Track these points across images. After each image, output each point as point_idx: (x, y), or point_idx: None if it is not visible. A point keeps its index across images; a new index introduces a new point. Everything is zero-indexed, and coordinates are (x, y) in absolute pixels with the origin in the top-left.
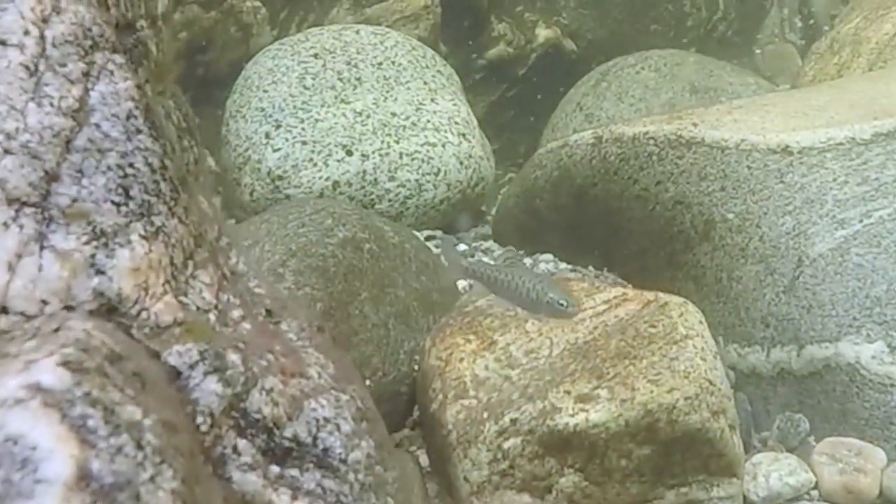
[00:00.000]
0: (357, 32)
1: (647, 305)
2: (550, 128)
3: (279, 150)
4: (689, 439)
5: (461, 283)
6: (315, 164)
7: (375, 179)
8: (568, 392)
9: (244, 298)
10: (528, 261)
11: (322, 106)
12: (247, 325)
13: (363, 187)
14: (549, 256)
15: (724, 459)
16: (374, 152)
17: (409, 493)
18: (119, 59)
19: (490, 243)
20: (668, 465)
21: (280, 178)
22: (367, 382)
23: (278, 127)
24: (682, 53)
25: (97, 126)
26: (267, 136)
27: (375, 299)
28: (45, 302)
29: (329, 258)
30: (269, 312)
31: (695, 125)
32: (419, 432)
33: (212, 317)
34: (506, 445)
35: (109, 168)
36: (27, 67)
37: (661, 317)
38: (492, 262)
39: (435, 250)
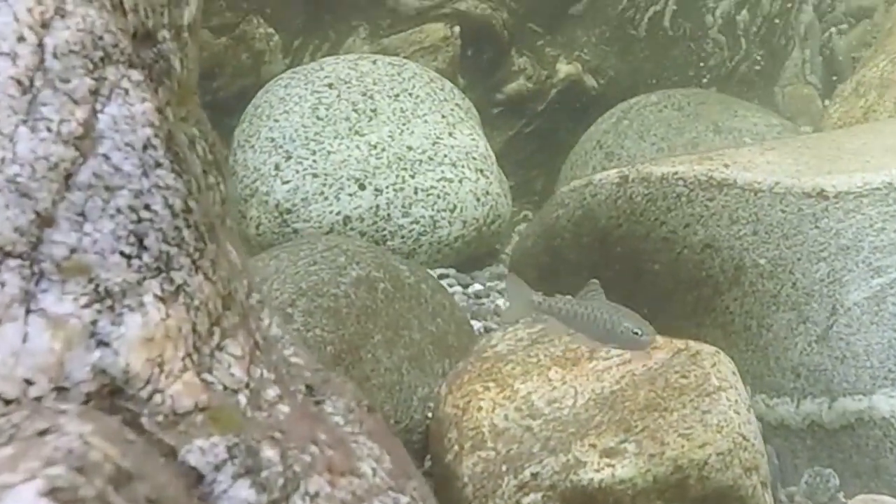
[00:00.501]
0: (374, 63)
1: (678, 354)
2: (569, 165)
3: (289, 182)
4: (720, 497)
5: (476, 326)
6: (326, 198)
7: (389, 215)
8: (593, 445)
9: (280, 372)
10: None
11: (335, 138)
12: (284, 408)
13: (375, 223)
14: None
15: None
16: (388, 187)
17: None
18: (136, 75)
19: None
20: None
21: (288, 211)
22: None
23: (288, 158)
24: (705, 92)
25: (106, 157)
26: (276, 167)
27: (389, 342)
28: (29, 382)
29: (341, 298)
30: (309, 389)
31: (726, 166)
32: (431, 484)
33: (242, 398)
34: (526, 501)
35: (119, 210)
36: (20, 82)
37: (692, 367)
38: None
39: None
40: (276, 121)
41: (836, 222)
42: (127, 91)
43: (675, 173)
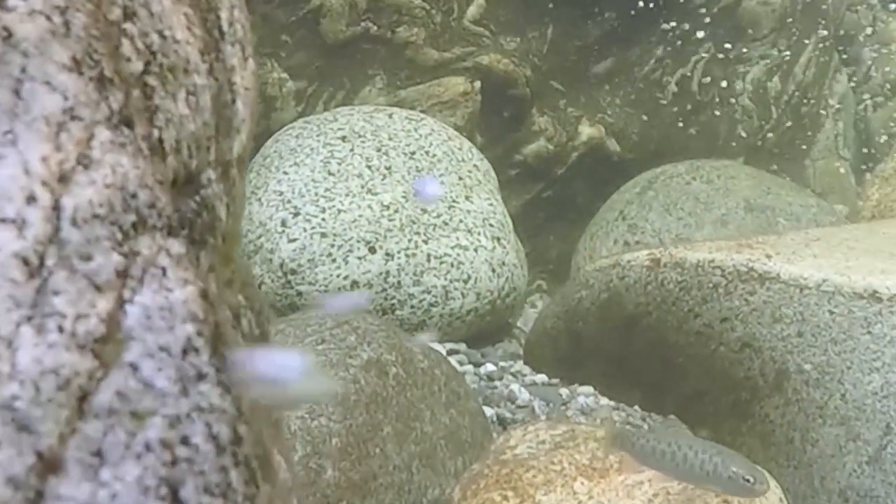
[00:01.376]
0: (390, 116)
1: None
2: (588, 235)
3: (295, 240)
4: None
5: (488, 412)
6: (334, 260)
7: (399, 282)
8: None
9: None
10: (564, 391)
11: (346, 195)
12: None
13: (384, 290)
14: (589, 389)
15: None
16: (399, 252)
17: None
18: (176, 247)
19: (520, 365)
20: None
21: (294, 272)
22: None
23: (296, 215)
24: (735, 165)
25: (134, 368)
26: (283, 223)
27: (399, 435)
28: None
29: (350, 383)
30: None
31: (768, 257)
32: None
33: None
34: None
35: (149, 447)
36: (26, 261)
37: None
38: (529, 395)
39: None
40: (286, 173)
41: (890, 328)
42: (164, 270)
43: (713, 261)
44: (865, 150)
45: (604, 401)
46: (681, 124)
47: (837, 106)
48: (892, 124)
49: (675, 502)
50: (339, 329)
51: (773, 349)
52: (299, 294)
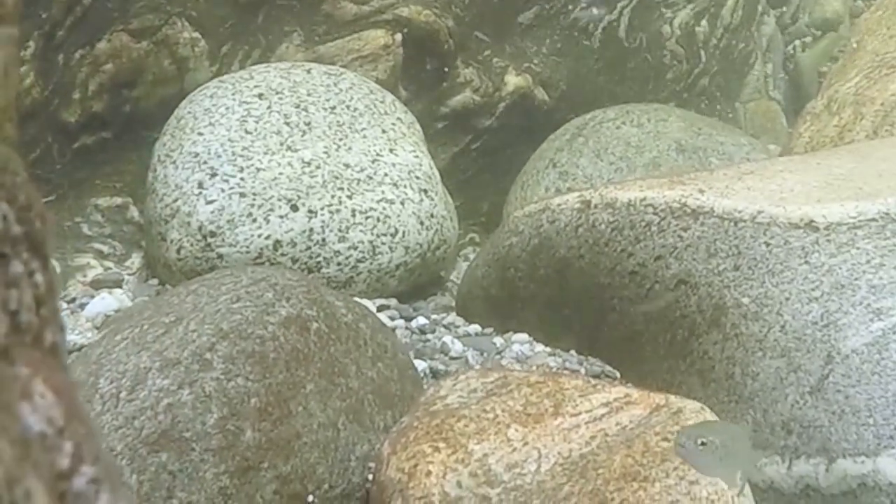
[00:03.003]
0: (308, 72)
1: (657, 411)
2: (519, 185)
3: (213, 202)
4: None
5: (421, 366)
6: (254, 220)
7: (324, 239)
8: None
9: None
10: (498, 340)
11: (265, 153)
12: None
13: (309, 248)
14: (524, 336)
15: None
16: (323, 208)
17: None
18: None
19: (453, 317)
20: None
21: (213, 234)
22: (311, 498)
23: (213, 175)
24: (666, 108)
25: None
26: (200, 185)
27: (323, 392)
28: None
29: (268, 341)
30: None
31: (701, 192)
32: None
33: None
34: None
35: None
36: None
37: (675, 427)
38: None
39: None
40: (201, 134)
41: (828, 257)
42: None
43: (644, 199)
44: (795, 91)
45: (539, 347)
46: (609, 71)
47: (766, 47)
48: (820, 64)
49: (614, 444)
50: (256, 286)
51: (709, 285)
52: (220, 257)
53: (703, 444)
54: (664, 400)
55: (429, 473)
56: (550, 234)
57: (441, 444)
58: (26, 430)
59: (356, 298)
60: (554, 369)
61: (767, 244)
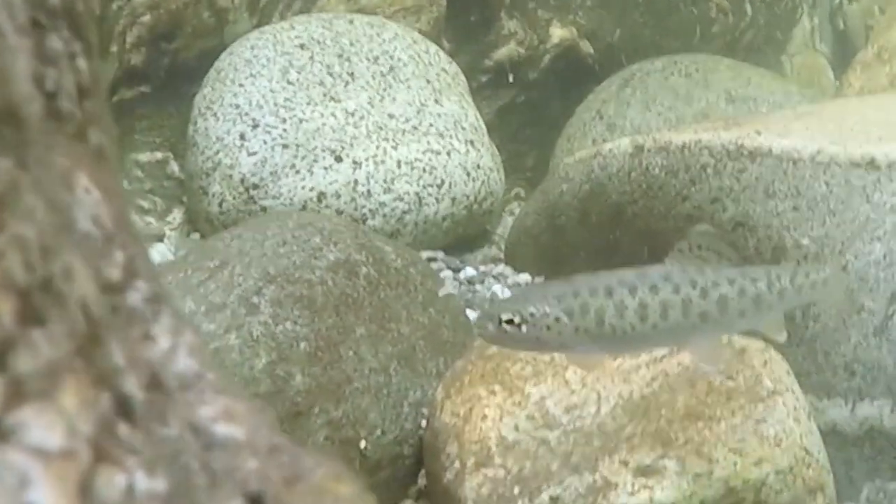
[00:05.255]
0: (350, 22)
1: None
2: (565, 138)
3: (255, 153)
4: None
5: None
6: (298, 172)
7: (368, 191)
8: (625, 463)
9: (179, 466)
10: None
11: (308, 104)
12: None
13: (354, 199)
14: None
15: None
16: (367, 159)
17: None
18: None
19: (502, 267)
20: None
21: (255, 186)
22: (363, 444)
23: (255, 127)
24: (713, 58)
25: None
26: (242, 137)
27: (374, 337)
28: None
29: (317, 285)
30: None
31: (758, 133)
32: None
33: None
34: None
35: None
36: None
37: (739, 366)
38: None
39: None
40: (242, 86)
41: (890, 195)
42: None
43: (699, 141)
44: (842, 44)
45: None
46: (654, 24)
47: (812, 1)
48: (868, 16)
49: (676, 384)
50: (303, 231)
51: (768, 226)
52: (263, 209)
53: (509, 321)
54: (726, 339)
55: (485, 417)
56: (602, 180)
57: (497, 388)
58: (68, 214)
59: None
60: None
61: (827, 184)
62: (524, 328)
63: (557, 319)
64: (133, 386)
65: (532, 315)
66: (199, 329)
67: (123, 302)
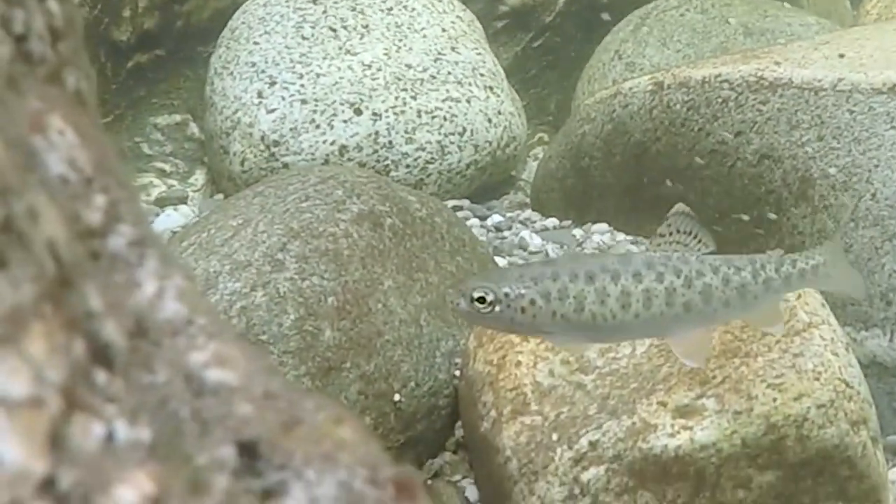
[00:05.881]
0: None
1: None
2: (585, 80)
3: (274, 110)
4: (823, 459)
5: (500, 263)
6: (318, 126)
7: (390, 142)
8: (663, 403)
9: (164, 417)
10: (577, 232)
11: (324, 58)
12: None
13: (376, 151)
14: (604, 226)
15: (867, 482)
16: (387, 110)
17: None
18: None
19: (529, 213)
20: (797, 494)
21: (276, 143)
22: (397, 396)
23: (272, 84)
24: None
25: None
26: (259, 95)
27: (402, 288)
28: None
29: (341, 238)
30: (248, 452)
31: (777, 64)
32: (464, 457)
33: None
34: (585, 477)
35: None
36: None
37: None
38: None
39: None
40: (257, 43)
41: None
42: None
43: (719, 75)
44: None
45: (620, 236)
46: None
47: None
48: None
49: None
50: (324, 185)
51: (793, 157)
52: (285, 166)
53: (480, 299)
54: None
55: (518, 364)
56: (624, 119)
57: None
58: (36, 159)
59: None
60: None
61: (851, 112)
62: (497, 308)
63: (533, 302)
64: (112, 332)
65: (506, 296)
66: (191, 273)
67: (105, 247)
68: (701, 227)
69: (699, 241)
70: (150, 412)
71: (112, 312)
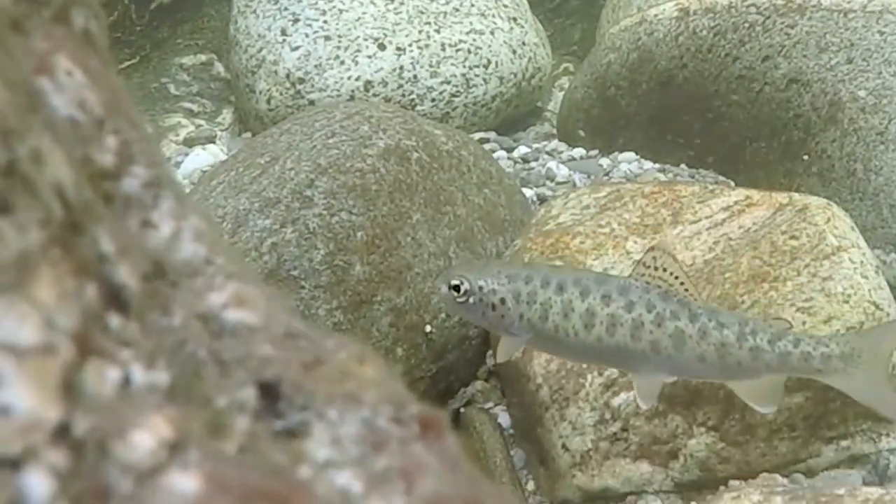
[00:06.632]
0: None
1: (781, 210)
2: (610, 8)
3: (298, 48)
4: None
5: (528, 194)
6: (342, 63)
7: (415, 76)
8: None
9: (181, 359)
10: (604, 161)
11: None
12: (180, 477)
13: (401, 86)
14: (631, 155)
15: None
16: (411, 45)
17: (487, 458)
18: None
19: (556, 143)
20: (826, 415)
21: (301, 80)
22: (428, 328)
23: (296, 21)
24: None
25: None
26: (283, 32)
27: (431, 221)
28: None
29: (369, 173)
30: (269, 393)
31: None
32: (496, 385)
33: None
34: (615, 402)
35: None
36: None
37: (802, 224)
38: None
39: None
40: None
41: None
42: None
43: (745, 0)
44: None
45: (647, 164)
46: None
47: None
48: None
49: (739, 247)
50: (350, 120)
51: (822, 81)
52: (311, 103)
53: (455, 287)
54: (787, 198)
55: None
56: (650, 47)
57: (557, 263)
58: (42, 101)
59: None
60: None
61: (881, 33)
62: (471, 300)
63: (503, 301)
64: (126, 275)
65: (480, 289)
66: (209, 214)
67: (118, 189)
68: (679, 266)
69: (681, 284)
70: (168, 355)
71: (126, 255)
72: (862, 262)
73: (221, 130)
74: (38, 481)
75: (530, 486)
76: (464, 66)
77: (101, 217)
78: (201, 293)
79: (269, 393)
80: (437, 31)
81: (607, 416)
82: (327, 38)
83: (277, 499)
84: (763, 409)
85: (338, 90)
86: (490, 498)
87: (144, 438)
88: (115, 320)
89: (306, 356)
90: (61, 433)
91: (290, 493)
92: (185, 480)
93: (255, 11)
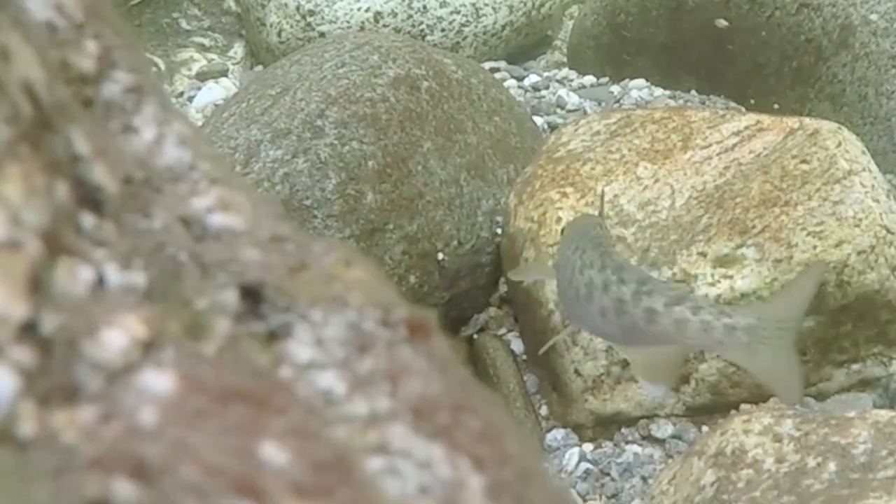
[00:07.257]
0: None
1: (792, 135)
2: None
3: None
4: (864, 304)
5: (539, 122)
6: None
7: (424, 6)
8: (703, 254)
9: (157, 263)
10: (615, 88)
11: None
12: (154, 376)
13: (410, 17)
14: (641, 82)
15: None
16: None
17: (501, 384)
18: None
19: (566, 71)
20: (837, 339)
21: (311, 13)
22: (440, 255)
23: None
24: None
25: None
26: None
27: (441, 150)
28: None
29: (379, 103)
30: (251, 296)
31: None
32: (509, 311)
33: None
34: None
35: None
36: None
37: (812, 148)
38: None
39: None
40: None
41: None
42: None
43: None
44: None
45: (658, 91)
46: None
47: None
48: None
49: (750, 172)
50: (360, 50)
51: (833, 4)
52: (322, 35)
53: None
54: (798, 123)
55: (559, 220)
56: None
57: (569, 190)
58: (11, 1)
59: None
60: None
61: None
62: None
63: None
64: (102, 176)
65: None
66: (191, 121)
67: (98, 94)
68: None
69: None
70: (146, 257)
71: (102, 157)
72: (873, 185)
73: (233, 64)
74: (2, 379)
75: (543, 410)
76: None
77: (76, 119)
78: (184, 198)
79: (252, 295)
80: None
81: None
82: None
83: (256, 399)
84: (653, 389)
85: (348, 22)
86: (479, 401)
87: (117, 337)
88: (88, 220)
89: (292, 260)
90: (27, 330)
91: (268, 393)
92: (158, 379)
93: None
